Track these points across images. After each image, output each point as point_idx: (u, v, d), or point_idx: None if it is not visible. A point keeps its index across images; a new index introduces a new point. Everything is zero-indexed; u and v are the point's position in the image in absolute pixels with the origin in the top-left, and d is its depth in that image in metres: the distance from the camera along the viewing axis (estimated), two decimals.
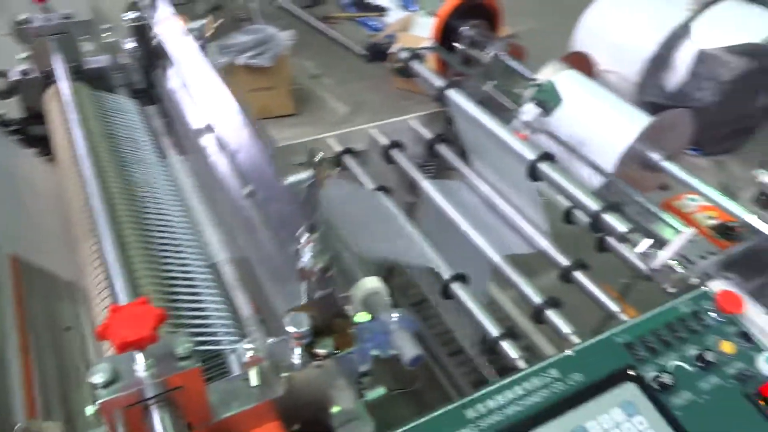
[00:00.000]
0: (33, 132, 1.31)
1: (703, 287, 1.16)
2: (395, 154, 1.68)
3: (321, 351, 0.70)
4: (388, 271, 1.71)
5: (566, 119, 1.46)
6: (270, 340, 0.72)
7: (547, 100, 1.37)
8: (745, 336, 1.09)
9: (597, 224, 1.14)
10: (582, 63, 1.66)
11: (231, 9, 4.30)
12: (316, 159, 0.85)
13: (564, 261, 1.34)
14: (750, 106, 3.13)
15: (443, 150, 1.68)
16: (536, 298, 1.26)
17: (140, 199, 0.97)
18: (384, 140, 1.71)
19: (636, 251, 1.07)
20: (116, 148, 1.11)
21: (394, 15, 4.35)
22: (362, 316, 0.75)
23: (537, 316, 1.26)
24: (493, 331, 1.18)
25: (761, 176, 1.21)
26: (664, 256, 1.10)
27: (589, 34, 3.39)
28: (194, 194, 1.09)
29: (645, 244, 1.06)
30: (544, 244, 1.39)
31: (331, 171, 1.30)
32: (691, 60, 2.98)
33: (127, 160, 1.09)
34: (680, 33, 3.05)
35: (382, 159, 1.71)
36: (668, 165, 1.40)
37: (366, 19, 4.41)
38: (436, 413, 0.91)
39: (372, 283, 0.79)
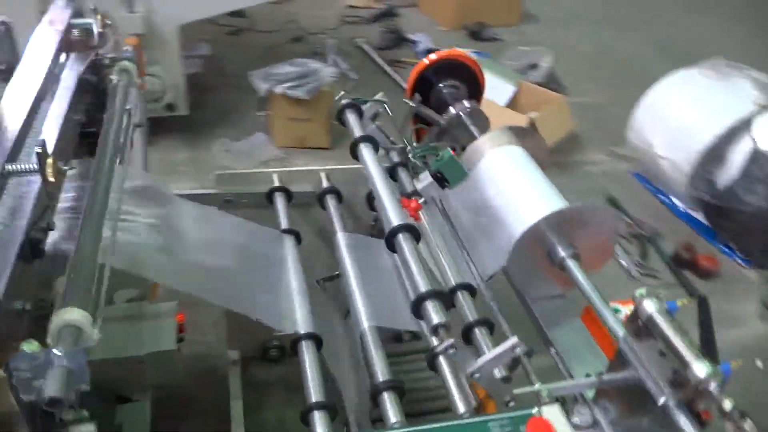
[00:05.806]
0: None
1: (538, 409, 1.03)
2: (328, 200, 1.66)
3: None
4: None
5: (474, 199, 1.37)
6: None
7: (447, 173, 1.30)
8: None
9: (418, 311, 1.05)
10: (535, 142, 1.56)
11: (310, 42, 4.51)
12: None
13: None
14: None
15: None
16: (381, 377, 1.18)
17: None
18: (326, 184, 1.71)
19: (439, 349, 0.97)
20: None
21: None
22: (29, 345, 0.74)
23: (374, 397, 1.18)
24: None
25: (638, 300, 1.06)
26: (482, 361, 0.99)
27: (647, 115, 3.18)
28: None
29: (446, 344, 0.96)
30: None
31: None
32: (746, 158, 2.70)
33: None
34: (740, 127, 2.78)
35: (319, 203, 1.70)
36: (571, 264, 1.26)
37: None
38: None
39: (73, 314, 0.78)
